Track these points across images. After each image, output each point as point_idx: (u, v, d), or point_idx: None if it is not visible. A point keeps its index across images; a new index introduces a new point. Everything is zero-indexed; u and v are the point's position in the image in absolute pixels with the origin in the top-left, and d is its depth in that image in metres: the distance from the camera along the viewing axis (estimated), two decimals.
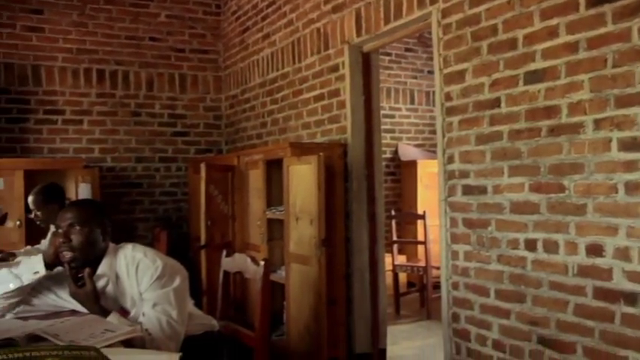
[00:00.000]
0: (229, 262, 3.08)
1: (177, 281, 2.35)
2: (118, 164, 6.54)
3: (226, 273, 3.13)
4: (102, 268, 2.37)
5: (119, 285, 2.38)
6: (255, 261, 2.85)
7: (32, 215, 4.00)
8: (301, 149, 4.48)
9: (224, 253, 3.19)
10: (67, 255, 2.32)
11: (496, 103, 3.24)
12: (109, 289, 2.38)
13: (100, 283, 2.37)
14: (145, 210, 6.66)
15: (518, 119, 3.10)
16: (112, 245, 2.44)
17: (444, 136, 3.62)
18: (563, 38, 2.86)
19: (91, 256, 2.35)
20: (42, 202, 3.91)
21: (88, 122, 6.40)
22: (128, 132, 6.58)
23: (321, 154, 4.11)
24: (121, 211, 6.35)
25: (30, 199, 3.98)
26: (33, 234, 4.76)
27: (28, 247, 3.99)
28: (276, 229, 4.75)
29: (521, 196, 3.11)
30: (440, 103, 3.64)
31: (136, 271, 2.34)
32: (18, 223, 5.36)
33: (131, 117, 6.60)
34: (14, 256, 3.39)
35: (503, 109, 3.19)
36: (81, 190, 5.72)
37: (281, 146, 4.81)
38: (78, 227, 2.33)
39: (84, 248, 2.32)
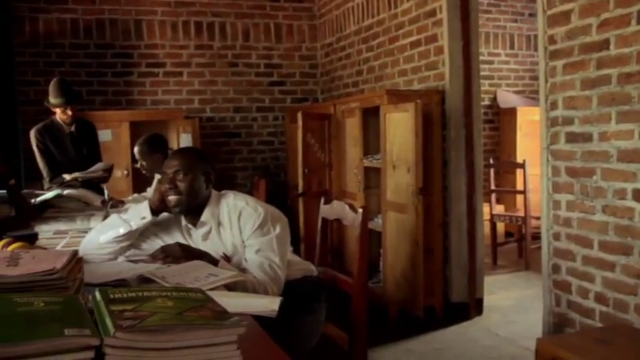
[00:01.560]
0: (327, 210, 3.11)
1: (278, 228, 2.40)
2: (216, 114, 6.70)
3: (324, 220, 3.16)
4: (205, 216, 2.46)
5: (222, 232, 2.46)
6: (353, 208, 2.86)
7: (138, 165, 4.18)
8: (398, 97, 4.43)
9: (322, 200, 3.21)
10: (173, 199, 2.41)
11: (604, 44, 3.06)
12: (213, 235, 2.46)
13: (204, 230, 2.46)
14: (243, 159, 6.81)
15: (629, 62, 2.92)
16: (214, 193, 2.51)
17: (546, 82, 3.47)
18: None
19: (194, 203, 2.44)
20: (147, 152, 4.07)
21: (187, 74, 6.57)
22: (226, 83, 6.70)
23: (418, 101, 4.05)
24: (220, 161, 6.52)
25: (135, 149, 4.16)
26: (139, 183, 4.98)
27: (135, 194, 4.18)
28: (372, 177, 4.76)
29: (630, 143, 2.96)
30: (543, 47, 3.49)
31: (239, 219, 2.40)
32: (125, 172, 5.62)
33: (228, 68, 6.70)
34: (123, 203, 3.57)
35: (613, 51, 3.02)
36: (182, 140, 5.91)
37: (377, 94, 4.78)
38: (183, 174, 2.41)
39: (189, 193, 2.41)
